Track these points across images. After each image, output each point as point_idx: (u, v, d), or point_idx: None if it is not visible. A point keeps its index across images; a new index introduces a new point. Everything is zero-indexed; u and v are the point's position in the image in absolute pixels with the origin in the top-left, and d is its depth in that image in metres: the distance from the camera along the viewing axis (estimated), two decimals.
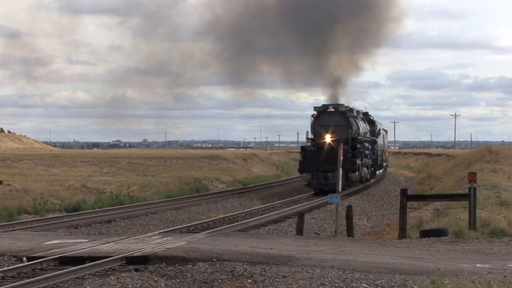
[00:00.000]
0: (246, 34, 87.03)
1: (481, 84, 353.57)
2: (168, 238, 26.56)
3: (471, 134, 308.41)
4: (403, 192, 30.88)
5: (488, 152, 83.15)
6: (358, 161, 63.65)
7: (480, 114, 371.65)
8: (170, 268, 21.19)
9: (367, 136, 72.73)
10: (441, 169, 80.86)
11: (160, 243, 24.57)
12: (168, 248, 23.54)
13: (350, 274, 19.82)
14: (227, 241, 25.96)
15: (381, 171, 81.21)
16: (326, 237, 29.04)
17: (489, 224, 28.96)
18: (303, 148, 65.79)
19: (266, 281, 19.52)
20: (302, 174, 66.20)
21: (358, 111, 72.36)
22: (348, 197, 59.24)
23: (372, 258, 22.19)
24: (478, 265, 20.16)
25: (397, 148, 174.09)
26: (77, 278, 19.64)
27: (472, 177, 30.71)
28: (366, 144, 69.87)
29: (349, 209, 31.88)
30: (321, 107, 64.55)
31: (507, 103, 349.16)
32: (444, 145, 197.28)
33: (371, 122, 73.91)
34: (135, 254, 22.73)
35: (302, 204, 54.28)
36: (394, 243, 26.59)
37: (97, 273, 20.23)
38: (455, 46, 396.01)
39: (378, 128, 75.24)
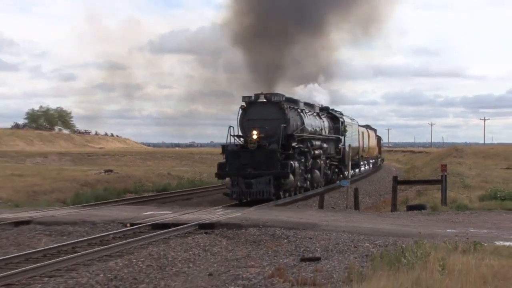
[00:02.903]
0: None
1: (449, 102, 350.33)
2: (228, 210, 26.80)
3: (443, 137, 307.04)
4: (394, 178, 30.95)
5: (455, 150, 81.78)
6: (296, 164, 34.37)
7: (449, 123, 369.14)
8: (229, 231, 21.35)
9: (326, 134, 41.80)
10: (421, 162, 79.65)
11: (223, 214, 24.74)
12: (228, 217, 23.73)
13: (356, 236, 19.88)
14: (270, 213, 25.94)
15: (357, 170, 51.52)
16: (340, 210, 29.09)
17: (455, 201, 28.89)
18: (224, 148, 35.76)
19: (297, 241, 19.61)
20: (222, 180, 36.79)
21: (310, 104, 41.68)
22: (355, 182, 45.14)
23: (373, 225, 22.28)
24: (448, 230, 20.13)
25: (390, 146, 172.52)
26: (165, 238, 20.08)
27: (444, 167, 30.98)
28: (318, 143, 38.77)
29: (356, 190, 31.77)
30: (250, 96, 36.93)
31: (468, 115, 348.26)
32: (423, 145, 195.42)
33: (334, 119, 43.31)
34: (205, 222, 22.92)
35: None
36: (388, 215, 26.60)
37: (178, 235, 20.61)
38: (432, 75, 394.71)
39: (343, 125, 43.94)
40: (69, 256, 16.29)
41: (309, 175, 35.61)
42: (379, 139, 77.96)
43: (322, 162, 37.67)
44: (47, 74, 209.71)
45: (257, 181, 29.35)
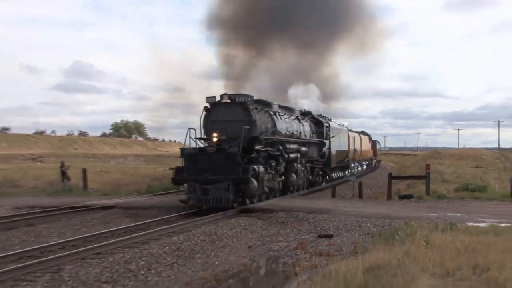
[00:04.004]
0: None
1: (432, 116, 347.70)
2: (262, 198, 26.18)
3: (426, 143, 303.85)
4: (389, 175, 30.58)
5: (436, 153, 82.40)
6: (261, 168, 24.41)
7: (431, 132, 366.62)
8: (264, 215, 21.24)
9: (306, 137, 31.78)
10: (410, 162, 78.41)
11: (259, 201, 24.10)
12: (261, 204, 23.42)
13: (360, 219, 19.85)
14: (294, 201, 25.46)
15: (346, 172, 41.85)
16: (348, 199, 28.69)
17: (436, 192, 28.56)
18: (182, 151, 25.63)
19: (316, 222, 19.67)
20: (179, 186, 26.77)
21: (288, 108, 31.47)
22: (359, 177, 42.78)
23: (373, 210, 22.09)
24: (430, 214, 19.92)
25: (386, 150, 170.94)
26: (215, 219, 19.69)
27: (427, 166, 30.57)
28: (294, 146, 29.23)
29: (360, 183, 31.38)
30: (214, 97, 26.87)
31: (446, 126, 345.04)
32: (411, 149, 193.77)
33: (318, 123, 34.47)
34: (244, 207, 22.53)
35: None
36: (384, 202, 26.39)
37: (224, 217, 20.30)
38: (419, 96, 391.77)
39: (328, 130, 34.83)
40: (143, 232, 16.53)
41: (282, 179, 26.05)
42: (374, 143, 69.71)
43: (299, 165, 28.39)
44: (126, 95, 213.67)
45: (215, 187, 21.34)
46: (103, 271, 11.99)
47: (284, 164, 25.76)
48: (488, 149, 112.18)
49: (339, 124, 38.41)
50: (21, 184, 33.90)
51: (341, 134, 37.36)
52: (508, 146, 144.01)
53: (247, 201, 22.51)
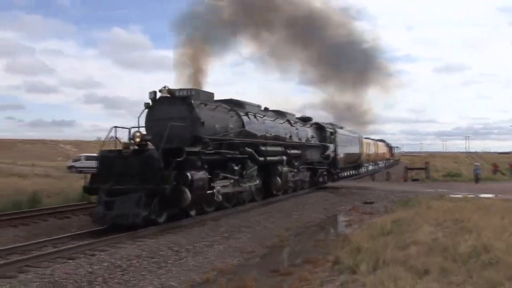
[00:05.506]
0: None
1: (428, 134, 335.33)
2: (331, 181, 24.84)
3: (425, 149, 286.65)
4: (405, 167, 31.28)
5: (431, 155, 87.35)
6: (199, 175, 11.67)
7: (428, 142, 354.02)
8: (332, 190, 21.05)
9: (300, 141, 20.29)
10: (417, 160, 76.52)
11: (330, 182, 23.80)
12: (331, 184, 23.37)
13: (388, 193, 19.74)
14: (350, 182, 25.62)
15: (358, 171, 32.78)
16: (381, 181, 28.57)
17: (432, 177, 28.73)
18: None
19: (362, 194, 19.66)
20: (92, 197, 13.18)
21: (278, 112, 19.63)
22: (386, 168, 42.69)
23: (395, 187, 22.13)
24: (428, 190, 19.96)
25: (403, 153, 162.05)
26: (297, 195, 18.53)
27: (427, 163, 31.77)
28: (278, 149, 17.50)
29: (388, 173, 31.99)
30: (155, 92, 12.99)
31: (437, 139, 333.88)
32: (418, 152, 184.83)
33: (321, 129, 24.19)
34: (320, 186, 22.06)
35: None
36: (402, 183, 26.09)
37: (304, 194, 19.21)
38: (421, 122, 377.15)
39: (333, 135, 25.29)
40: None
41: (255, 183, 15.73)
42: (391, 148, 60.76)
43: (285, 168, 18.18)
44: None
45: (122, 199, 10.92)
46: None
47: (255, 167, 15.68)
48: (461, 152, 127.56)
49: (350, 131, 31.05)
50: None
51: (351, 139, 30.32)
52: (473, 150, 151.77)
53: (161, 216, 11.23)
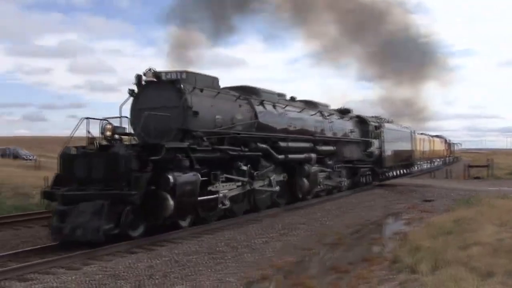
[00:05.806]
0: None
1: (489, 130, 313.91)
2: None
3: (488, 145, 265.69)
4: (467, 165, 29.95)
5: (494, 152, 75.04)
6: (185, 177, 8.36)
7: (491, 139, 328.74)
8: (390, 187, 20.73)
9: (334, 136, 16.64)
10: (479, 157, 72.34)
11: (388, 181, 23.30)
12: (388, 182, 22.81)
13: (449, 190, 19.04)
14: (408, 180, 25.08)
15: (410, 170, 29.20)
16: (441, 178, 27.35)
17: (495, 174, 27.40)
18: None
19: (421, 192, 18.96)
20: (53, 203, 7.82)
21: (308, 102, 15.79)
22: (447, 165, 39.30)
23: (456, 185, 21.26)
24: (490, 188, 19.00)
25: (464, 150, 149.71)
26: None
27: (490, 160, 29.73)
28: (303, 145, 14.02)
29: (447, 170, 30.45)
30: (140, 75, 9.46)
31: (500, 135, 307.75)
32: (479, 149, 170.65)
33: (363, 123, 19.84)
34: (378, 183, 21.66)
35: None
36: (463, 181, 25.16)
37: (368, 189, 18.57)
38: (481, 117, 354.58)
39: (378, 129, 21.01)
40: (323, 199, 16.33)
41: (274, 189, 12.63)
42: (449, 145, 54.69)
43: (314, 168, 14.92)
44: None
45: (79, 208, 7.58)
46: None
47: (271, 167, 12.50)
48: None
49: (401, 126, 26.91)
50: None
51: (401, 135, 26.09)
52: None
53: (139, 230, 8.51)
